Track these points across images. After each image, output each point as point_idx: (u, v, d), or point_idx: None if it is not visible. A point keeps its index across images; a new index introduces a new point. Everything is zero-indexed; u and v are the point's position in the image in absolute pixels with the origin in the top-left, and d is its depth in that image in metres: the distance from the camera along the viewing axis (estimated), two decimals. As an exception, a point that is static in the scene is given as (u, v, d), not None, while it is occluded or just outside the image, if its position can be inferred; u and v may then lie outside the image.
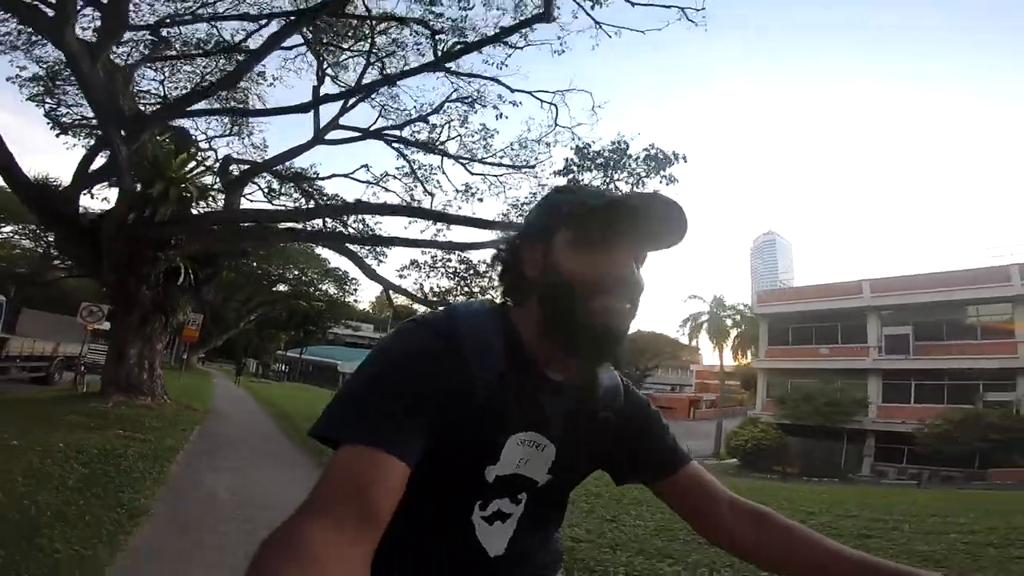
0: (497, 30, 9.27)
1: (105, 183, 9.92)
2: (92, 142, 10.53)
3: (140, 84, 11.22)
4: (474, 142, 11.69)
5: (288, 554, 0.50)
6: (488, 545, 0.77)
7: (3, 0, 8.01)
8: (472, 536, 0.76)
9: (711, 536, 0.86)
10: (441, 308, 0.82)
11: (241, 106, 11.74)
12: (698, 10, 8.56)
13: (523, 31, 9.22)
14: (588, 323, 0.71)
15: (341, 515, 0.55)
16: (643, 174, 9.34)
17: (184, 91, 11.07)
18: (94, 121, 10.03)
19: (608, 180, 9.89)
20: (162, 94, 11.88)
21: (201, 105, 10.39)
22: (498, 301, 0.86)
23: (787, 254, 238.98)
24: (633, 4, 8.68)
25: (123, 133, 7.88)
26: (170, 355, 23.84)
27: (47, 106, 13.09)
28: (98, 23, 8.65)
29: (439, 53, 9.48)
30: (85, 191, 9.74)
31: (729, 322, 30.26)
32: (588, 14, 8.72)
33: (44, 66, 11.87)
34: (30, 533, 2.70)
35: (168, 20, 9.44)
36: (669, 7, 8.49)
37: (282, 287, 33.74)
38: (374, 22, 9.29)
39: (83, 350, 13.62)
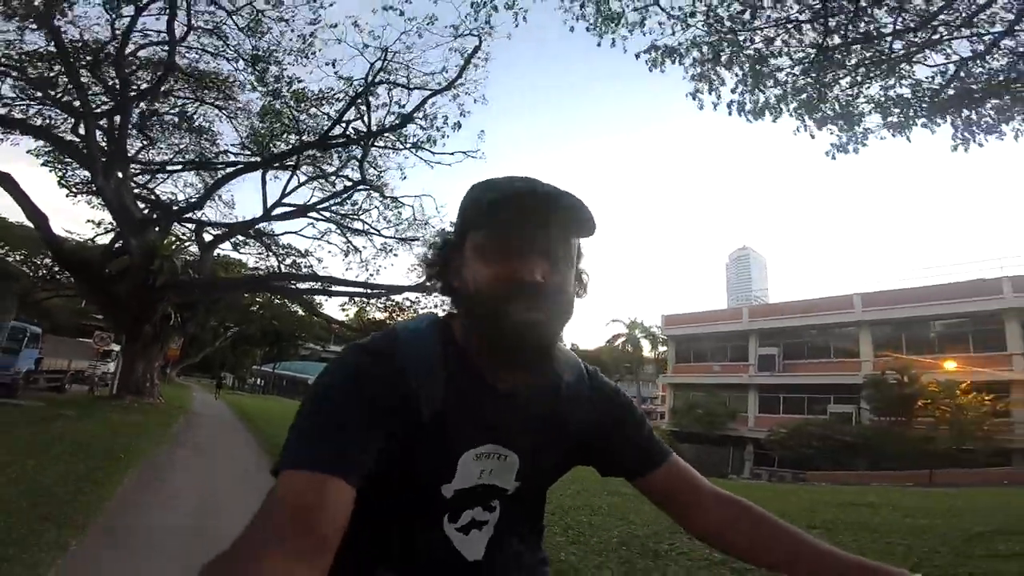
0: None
1: (123, 256, 14.99)
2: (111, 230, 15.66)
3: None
4: (377, 218, 16.94)
5: None
6: (466, 552, 0.78)
7: (56, 141, 13.17)
8: (449, 546, 0.77)
9: (695, 530, 0.87)
10: (384, 329, 0.81)
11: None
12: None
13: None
14: (502, 334, 0.70)
15: (288, 542, 0.55)
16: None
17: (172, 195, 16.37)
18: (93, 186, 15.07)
19: None
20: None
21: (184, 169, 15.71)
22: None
23: (761, 269, 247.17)
24: (434, 154, 13.74)
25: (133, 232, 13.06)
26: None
27: (59, 171, 18.17)
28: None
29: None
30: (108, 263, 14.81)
31: (647, 343, 35.68)
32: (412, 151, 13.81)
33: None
34: (124, 441, 7.71)
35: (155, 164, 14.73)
36: (466, 153, 13.68)
37: (255, 308, 38.73)
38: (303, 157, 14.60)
39: (97, 366, 18.62)
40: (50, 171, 17.93)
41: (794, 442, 23.05)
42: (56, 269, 24.58)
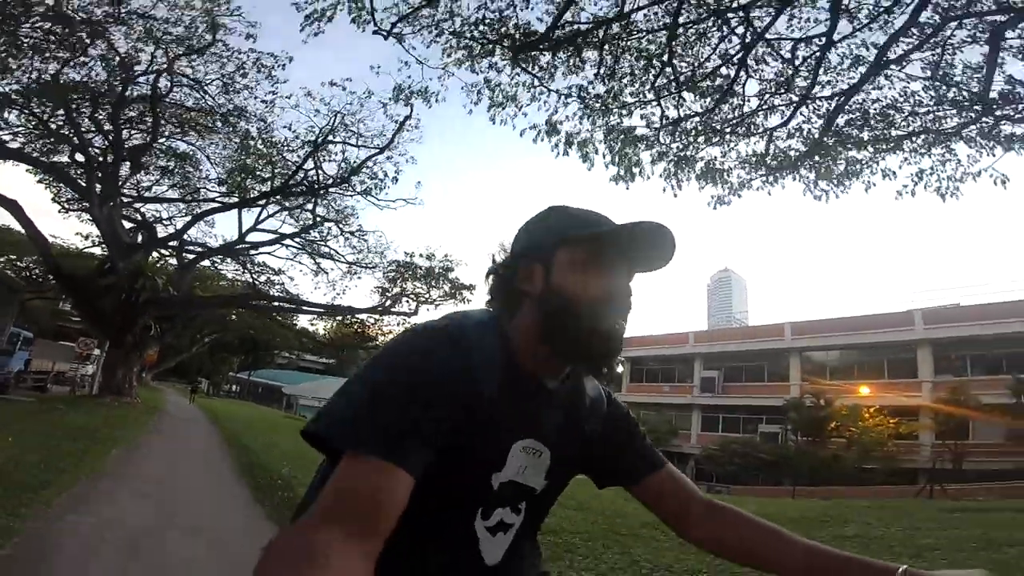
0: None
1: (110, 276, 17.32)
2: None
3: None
4: (342, 245, 19.38)
5: (295, 560, 0.55)
6: (487, 555, 0.82)
7: (58, 173, 15.51)
8: (474, 547, 0.82)
9: (689, 536, 0.94)
10: (443, 315, 0.87)
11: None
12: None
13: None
14: (590, 340, 0.80)
15: (347, 524, 0.60)
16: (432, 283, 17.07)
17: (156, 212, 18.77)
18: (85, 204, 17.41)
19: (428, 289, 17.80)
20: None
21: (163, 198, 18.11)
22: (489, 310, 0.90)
23: (742, 291, 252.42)
24: (379, 200, 16.19)
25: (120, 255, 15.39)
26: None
27: (53, 189, 20.44)
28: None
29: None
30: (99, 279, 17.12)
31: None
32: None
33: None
34: (110, 429, 10.01)
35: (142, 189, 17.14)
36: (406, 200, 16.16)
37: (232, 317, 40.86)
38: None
39: (77, 369, 20.79)
40: (45, 188, 20.34)
41: (722, 459, 25.57)
42: (38, 273, 26.84)
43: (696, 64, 7.64)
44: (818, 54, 6.94)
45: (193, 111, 14.20)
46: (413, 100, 9.13)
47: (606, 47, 7.48)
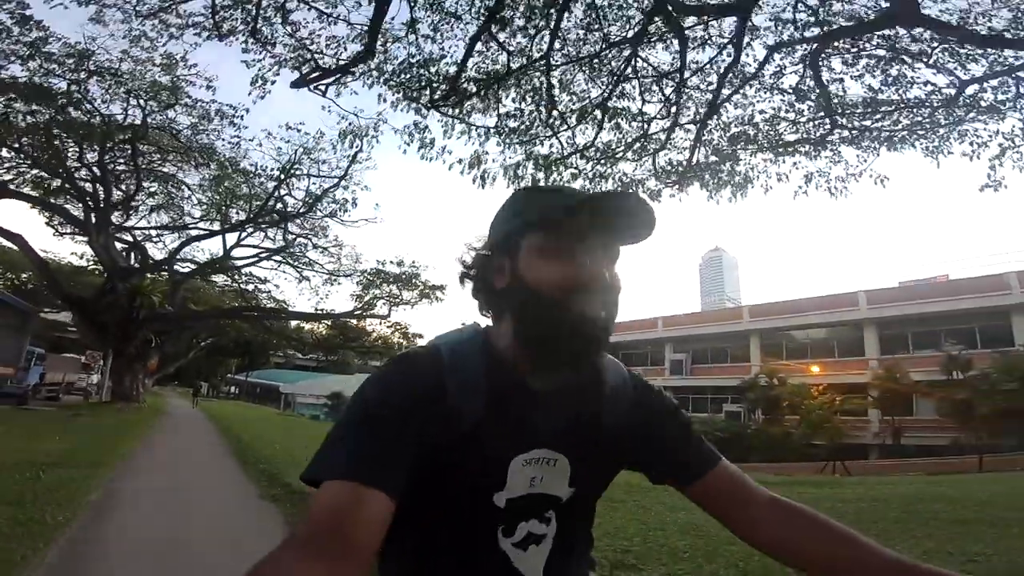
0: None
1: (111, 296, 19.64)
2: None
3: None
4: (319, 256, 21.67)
5: None
6: (525, 570, 0.80)
7: (60, 211, 17.75)
8: (507, 564, 0.79)
9: (752, 538, 0.86)
10: (427, 342, 0.86)
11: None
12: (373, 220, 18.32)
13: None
14: (562, 331, 0.74)
15: (322, 547, 0.60)
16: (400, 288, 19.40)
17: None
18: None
19: (400, 292, 20.14)
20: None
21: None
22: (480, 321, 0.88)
23: (733, 270, 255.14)
24: (344, 221, 18.38)
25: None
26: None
27: (47, 216, 22.66)
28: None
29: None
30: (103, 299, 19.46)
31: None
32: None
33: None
34: (127, 428, 12.38)
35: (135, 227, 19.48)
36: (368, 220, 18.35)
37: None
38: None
39: (88, 379, 23.24)
40: (39, 214, 22.63)
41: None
42: (36, 287, 29.15)
43: (577, 100, 8.97)
44: (675, 87, 8.29)
45: (169, 150, 16.39)
46: (357, 141, 10.97)
47: (503, 93, 8.68)
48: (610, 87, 8.41)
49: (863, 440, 24.55)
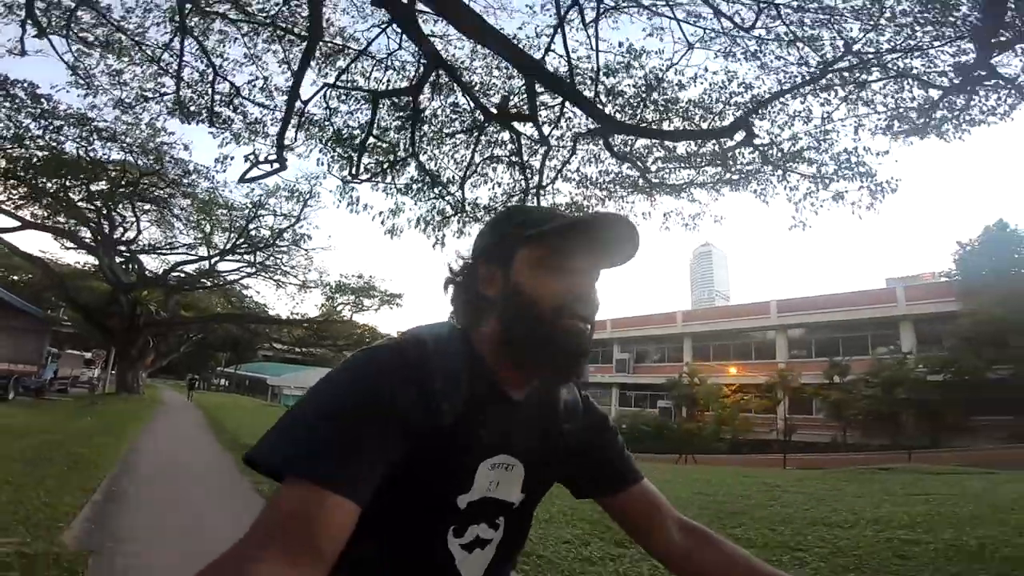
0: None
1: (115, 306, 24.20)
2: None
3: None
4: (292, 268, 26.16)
5: None
6: (466, 573, 0.83)
7: (74, 239, 22.29)
8: (451, 564, 0.82)
9: (656, 553, 0.96)
10: (403, 332, 0.86)
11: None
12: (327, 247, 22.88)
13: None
14: (554, 343, 0.80)
15: (285, 550, 0.59)
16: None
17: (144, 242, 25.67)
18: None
19: (359, 300, 24.76)
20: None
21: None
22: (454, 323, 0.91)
23: (724, 266, 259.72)
24: (306, 248, 22.62)
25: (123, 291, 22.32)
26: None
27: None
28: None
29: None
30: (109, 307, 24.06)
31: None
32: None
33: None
34: (135, 413, 17.00)
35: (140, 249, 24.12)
36: (323, 248, 22.55)
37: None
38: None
39: (94, 374, 27.87)
40: (54, 239, 27.16)
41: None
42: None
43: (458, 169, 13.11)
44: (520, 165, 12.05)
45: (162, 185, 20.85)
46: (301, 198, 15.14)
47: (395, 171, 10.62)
48: (471, 165, 10.62)
49: (764, 436, 29.01)
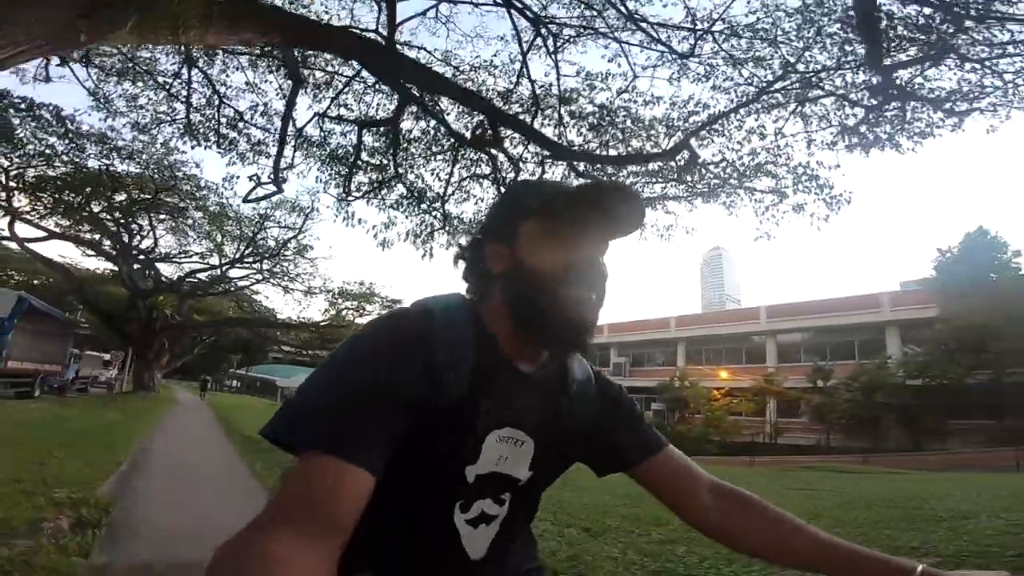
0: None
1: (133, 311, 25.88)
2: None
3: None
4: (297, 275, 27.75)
5: (248, 560, 0.56)
6: (471, 549, 0.84)
7: (97, 249, 24.07)
8: (456, 539, 0.84)
9: (692, 520, 0.95)
10: (413, 302, 0.87)
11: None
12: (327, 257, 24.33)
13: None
14: (558, 314, 0.81)
15: (302, 523, 0.61)
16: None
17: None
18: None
19: (362, 306, 26.33)
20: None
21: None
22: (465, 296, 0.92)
23: (734, 270, 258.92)
24: (311, 258, 24.21)
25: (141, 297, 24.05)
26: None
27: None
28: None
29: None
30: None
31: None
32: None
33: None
34: (153, 411, 18.62)
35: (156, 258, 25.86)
36: (323, 257, 24.10)
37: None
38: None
39: (111, 374, 29.66)
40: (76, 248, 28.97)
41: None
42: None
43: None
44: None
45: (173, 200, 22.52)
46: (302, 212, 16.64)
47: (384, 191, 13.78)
48: (450, 184, 11.62)
49: (753, 439, 30.09)
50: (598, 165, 11.09)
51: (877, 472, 13.26)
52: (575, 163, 10.78)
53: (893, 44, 7.64)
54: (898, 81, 7.91)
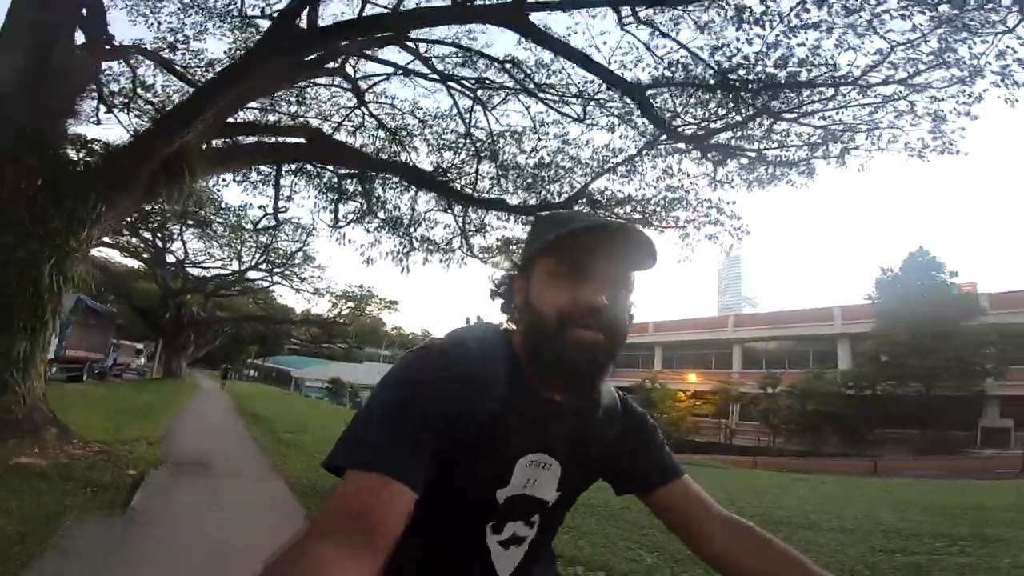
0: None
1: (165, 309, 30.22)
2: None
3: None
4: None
5: (298, 569, 0.60)
6: (500, 569, 0.89)
7: (137, 256, 28.50)
8: (487, 560, 0.88)
9: (700, 551, 0.96)
10: (446, 335, 0.92)
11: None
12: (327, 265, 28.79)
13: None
14: (561, 356, 0.82)
15: (347, 538, 0.64)
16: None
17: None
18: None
19: (361, 307, 30.48)
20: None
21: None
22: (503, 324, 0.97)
23: (751, 273, 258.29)
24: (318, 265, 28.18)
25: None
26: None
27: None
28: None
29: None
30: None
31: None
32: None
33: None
34: (180, 392, 22.79)
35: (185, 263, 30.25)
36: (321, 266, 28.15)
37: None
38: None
39: (142, 362, 34.23)
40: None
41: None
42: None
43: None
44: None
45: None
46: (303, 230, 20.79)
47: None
48: (415, 215, 15.37)
49: (711, 439, 33.29)
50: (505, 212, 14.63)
51: (789, 474, 15.80)
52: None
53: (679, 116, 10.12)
54: (713, 141, 10.24)
